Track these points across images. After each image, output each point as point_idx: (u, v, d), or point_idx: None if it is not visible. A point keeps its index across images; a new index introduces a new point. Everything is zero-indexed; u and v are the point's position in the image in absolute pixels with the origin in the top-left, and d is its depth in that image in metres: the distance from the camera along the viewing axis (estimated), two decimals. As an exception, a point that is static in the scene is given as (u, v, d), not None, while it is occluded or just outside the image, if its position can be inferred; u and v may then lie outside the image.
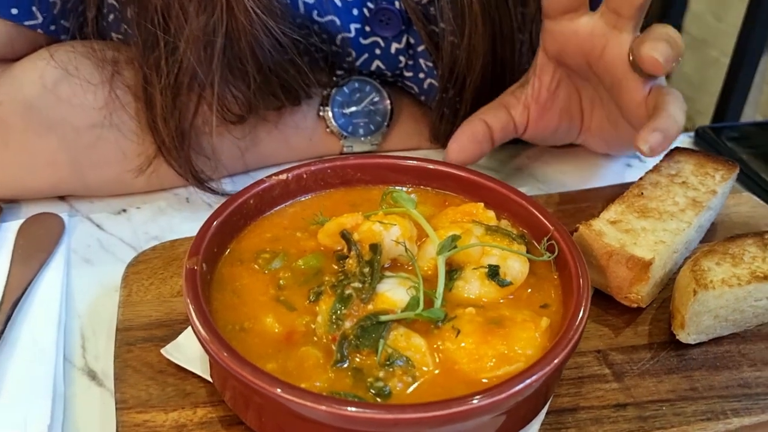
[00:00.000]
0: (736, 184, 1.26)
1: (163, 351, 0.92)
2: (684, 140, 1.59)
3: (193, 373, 0.90)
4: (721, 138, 1.53)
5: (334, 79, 1.39)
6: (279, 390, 0.73)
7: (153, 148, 1.19)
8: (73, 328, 1.02)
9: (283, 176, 1.03)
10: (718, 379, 0.96)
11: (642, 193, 1.13)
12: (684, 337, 0.98)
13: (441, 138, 1.42)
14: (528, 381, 0.76)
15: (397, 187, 1.06)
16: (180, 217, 1.24)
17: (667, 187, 1.15)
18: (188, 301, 0.83)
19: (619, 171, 1.46)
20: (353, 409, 0.72)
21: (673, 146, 1.18)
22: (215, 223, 0.93)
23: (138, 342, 0.94)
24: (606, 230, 1.04)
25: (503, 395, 0.74)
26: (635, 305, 1.02)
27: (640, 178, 1.17)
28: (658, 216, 1.08)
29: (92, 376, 0.96)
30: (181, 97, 1.14)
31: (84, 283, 1.10)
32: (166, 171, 1.22)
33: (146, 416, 0.85)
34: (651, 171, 1.19)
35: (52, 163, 1.18)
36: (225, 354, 0.77)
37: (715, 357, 0.99)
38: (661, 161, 1.21)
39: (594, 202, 1.26)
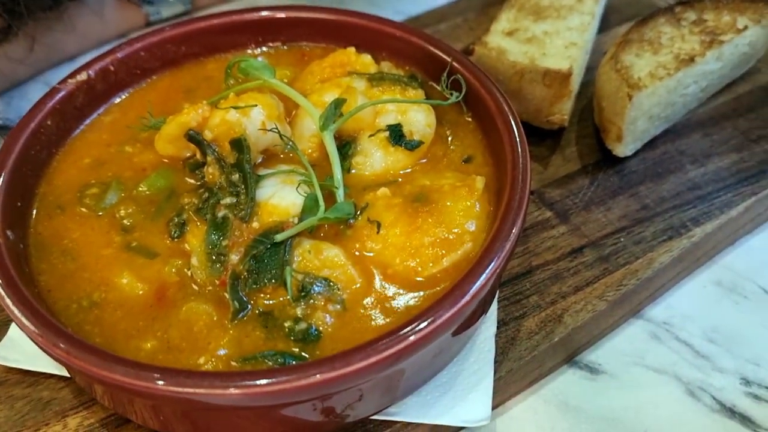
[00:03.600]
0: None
1: (-8, 357, 0.67)
2: None
3: (44, 373, 0.66)
4: None
5: None
6: (160, 382, 0.51)
7: None
8: None
9: (83, 75, 0.74)
10: (666, 188, 0.83)
11: (529, -9, 0.94)
12: (621, 150, 0.83)
13: None
14: (491, 268, 0.58)
15: (241, 55, 0.80)
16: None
17: (554, -24, 0.96)
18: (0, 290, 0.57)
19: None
20: (270, 380, 0.52)
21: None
22: (7, 166, 0.65)
23: (-49, 353, 0.68)
24: (506, 45, 0.85)
25: (467, 297, 0.56)
26: (557, 126, 0.86)
27: (521, -27, 0.97)
28: (556, 14, 0.90)
29: None
30: None
31: None
32: None
33: (-3, 452, 0.62)
34: (529, -39, 0.99)
35: None
36: (74, 353, 0.53)
37: (655, 163, 0.86)
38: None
39: (467, 15, 1.06)
